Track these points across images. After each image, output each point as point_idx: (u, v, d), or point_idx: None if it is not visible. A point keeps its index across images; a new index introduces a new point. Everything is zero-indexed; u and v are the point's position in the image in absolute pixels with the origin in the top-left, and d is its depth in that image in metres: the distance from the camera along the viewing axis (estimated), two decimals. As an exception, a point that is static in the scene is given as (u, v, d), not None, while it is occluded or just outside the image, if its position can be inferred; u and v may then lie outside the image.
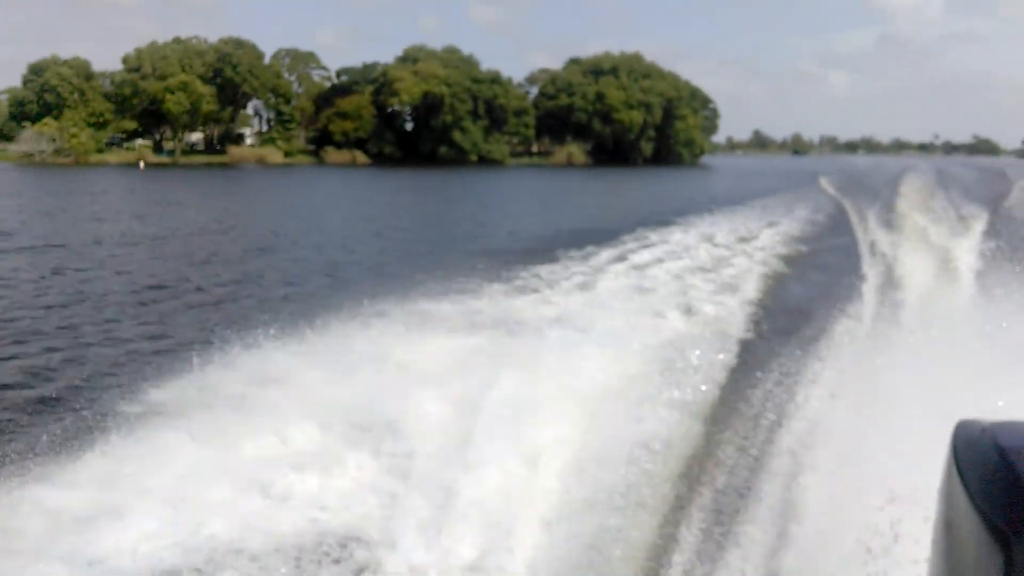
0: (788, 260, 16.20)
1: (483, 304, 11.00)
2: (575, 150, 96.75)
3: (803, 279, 14.58)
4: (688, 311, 10.81)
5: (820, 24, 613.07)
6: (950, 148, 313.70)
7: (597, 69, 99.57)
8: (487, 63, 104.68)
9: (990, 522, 1.32)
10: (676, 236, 19.23)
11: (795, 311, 11.65)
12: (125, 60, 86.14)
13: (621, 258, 15.31)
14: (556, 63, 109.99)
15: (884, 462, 4.62)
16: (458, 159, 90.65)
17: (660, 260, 15.03)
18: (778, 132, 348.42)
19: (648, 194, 51.01)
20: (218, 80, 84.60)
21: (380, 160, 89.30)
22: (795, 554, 4.76)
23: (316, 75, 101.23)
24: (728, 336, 9.68)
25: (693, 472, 6.01)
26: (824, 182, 45.83)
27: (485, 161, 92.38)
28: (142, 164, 78.40)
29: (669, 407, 6.92)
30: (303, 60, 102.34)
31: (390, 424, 5.96)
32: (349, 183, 57.35)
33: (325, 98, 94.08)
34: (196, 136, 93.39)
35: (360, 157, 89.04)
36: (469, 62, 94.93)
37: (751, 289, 12.99)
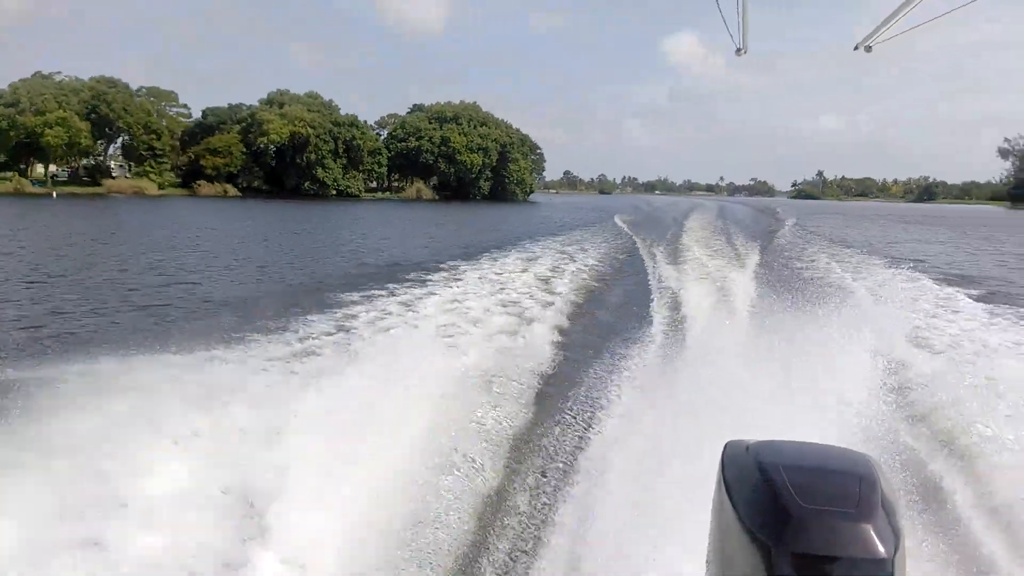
0: (586, 292, 16.99)
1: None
2: (422, 187, 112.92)
3: (597, 312, 15.32)
4: (488, 342, 11.05)
5: (621, 77, 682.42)
6: (733, 189, 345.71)
7: (441, 116, 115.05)
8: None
9: (753, 535, 1.53)
10: (478, 271, 19.63)
11: (591, 342, 12.26)
12: (1, 96, 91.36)
13: (429, 294, 15.16)
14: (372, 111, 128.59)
15: (668, 482, 5.17)
16: (320, 193, 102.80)
17: (455, 299, 14.90)
18: (586, 173, 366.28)
19: (484, 226, 55.11)
20: (93, 116, 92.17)
21: (249, 193, 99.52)
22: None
23: (173, 112, 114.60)
24: (531, 363, 10.07)
25: (496, 497, 6.35)
26: (619, 219, 49.03)
27: (343, 195, 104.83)
28: (55, 194, 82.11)
29: (470, 438, 7.28)
30: (163, 98, 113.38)
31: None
32: (236, 213, 61.94)
33: (191, 134, 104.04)
34: (53, 168, 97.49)
35: (231, 190, 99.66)
36: (330, 106, 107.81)
37: (551, 318, 13.54)
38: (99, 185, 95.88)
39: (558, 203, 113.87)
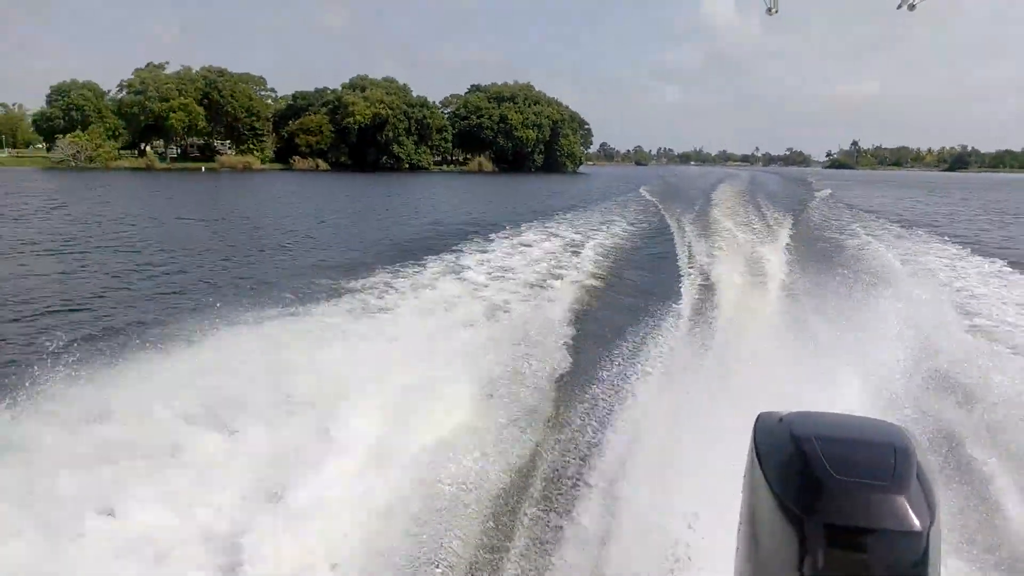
0: (614, 264, 18.32)
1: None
2: (484, 160, 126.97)
3: (626, 285, 16.16)
4: (504, 313, 11.81)
5: (655, 42, 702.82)
6: (769, 159, 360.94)
7: (499, 95, 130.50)
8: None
9: (785, 506, 1.57)
10: (515, 240, 21.43)
11: (622, 315, 12.90)
12: (130, 85, 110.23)
13: (459, 265, 16.30)
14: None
15: (700, 454, 5.36)
16: (396, 166, 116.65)
17: (498, 269, 16.00)
18: (622, 145, 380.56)
19: (540, 193, 59.92)
20: (205, 101, 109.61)
21: (336, 167, 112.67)
22: (618, 550, 5.39)
23: (262, 95, 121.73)
24: (550, 347, 10.24)
25: (522, 473, 6.59)
26: (644, 191, 49.68)
27: (415, 167, 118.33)
28: (203, 168, 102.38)
29: (499, 406, 7.71)
30: (254, 83, 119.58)
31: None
32: (333, 184, 71.37)
33: (282, 116, 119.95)
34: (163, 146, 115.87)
35: (322, 164, 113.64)
36: (404, 90, 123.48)
37: (581, 289, 14.46)
38: (212, 160, 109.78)
39: (601, 174, 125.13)
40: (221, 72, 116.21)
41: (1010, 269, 17.75)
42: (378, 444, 6.32)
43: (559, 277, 15.46)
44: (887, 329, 9.56)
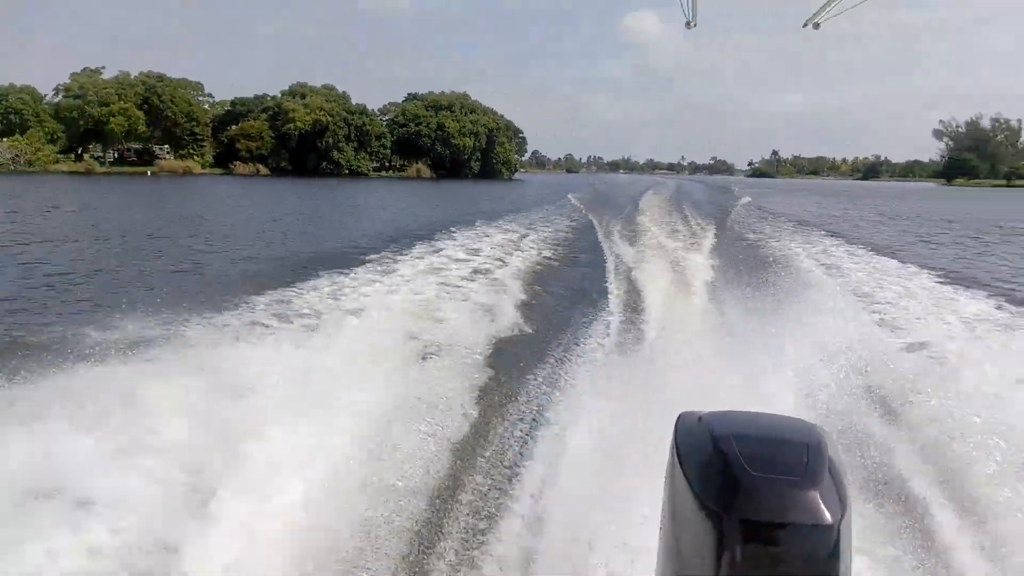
0: (545, 270, 18.62)
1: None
2: (422, 167, 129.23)
3: (556, 287, 16.51)
4: (432, 318, 11.69)
5: (584, 54, 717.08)
6: (695, 168, 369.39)
7: (436, 104, 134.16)
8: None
9: (703, 503, 1.63)
10: (451, 242, 21.73)
11: (550, 318, 13.25)
12: (67, 89, 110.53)
13: (388, 271, 16.08)
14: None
15: (626, 455, 5.51)
16: (335, 172, 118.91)
17: (428, 270, 16.20)
18: (553, 153, 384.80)
19: (481, 199, 62.80)
20: (145, 106, 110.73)
21: (277, 172, 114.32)
22: (543, 553, 5.38)
23: (199, 99, 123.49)
24: (483, 346, 10.41)
25: (445, 490, 6.44)
26: (573, 198, 50.01)
27: (355, 173, 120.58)
28: (149, 172, 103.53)
29: (417, 420, 7.53)
30: (191, 88, 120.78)
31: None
32: (277, 189, 72.75)
33: (221, 121, 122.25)
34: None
35: (263, 169, 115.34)
36: (344, 97, 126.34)
37: (508, 298, 14.16)
38: (151, 165, 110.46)
39: (534, 181, 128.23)
40: (160, 77, 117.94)
41: (918, 270, 19.01)
42: (294, 454, 6.09)
43: (489, 282, 15.55)
44: (806, 331, 9.92)
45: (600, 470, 5.98)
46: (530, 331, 12.20)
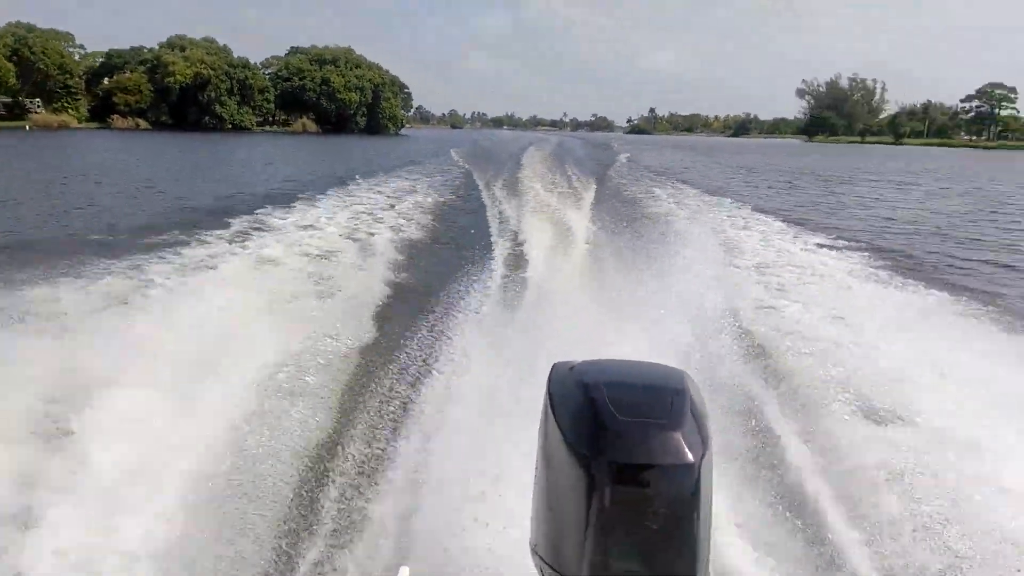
0: (429, 224, 18.79)
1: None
2: (307, 121, 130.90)
3: (439, 244, 16.70)
4: (309, 276, 11.61)
5: (467, 7, 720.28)
6: (576, 124, 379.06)
7: (320, 59, 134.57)
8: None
9: (574, 448, 1.71)
10: (321, 205, 21.25)
11: (430, 275, 13.11)
12: None
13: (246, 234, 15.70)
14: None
15: (505, 407, 5.50)
16: (218, 126, 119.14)
17: (296, 231, 15.98)
18: (437, 109, 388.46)
19: (369, 153, 63.22)
20: (15, 58, 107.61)
21: (157, 126, 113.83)
22: (423, 507, 5.33)
23: (70, 51, 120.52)
24: (363, 307, 10.34)
25: (325, 448, 6.41)
26: (455, 153, 49.61)
27: (237, 128, 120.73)
28: (28, 127, 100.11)
29: (298, 377, 7.45)
30: (62, 39, 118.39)
31: None
32: (157, 143, 71.83)
33: (95, 74, 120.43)
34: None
35: (143, 123, 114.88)
36: (225, 50, 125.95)
37: (386, 258, 14.14)
38: (22, 119, 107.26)
39: (420, 136, 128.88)
40: (30, 28, 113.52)
41: (785, 226, 20.04)
42: (156, 427, 5.90)
43: (370, 240, 15.60)
44: (678, 283, 10.10)
45: (480, 420, 6.02)
46: (413, 287, 12.24)
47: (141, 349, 7.22)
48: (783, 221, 20.66)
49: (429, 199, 24.50)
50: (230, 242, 14.62)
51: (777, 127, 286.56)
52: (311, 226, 16.88)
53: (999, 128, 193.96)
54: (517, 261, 14.09)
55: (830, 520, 5.51)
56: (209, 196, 26.49)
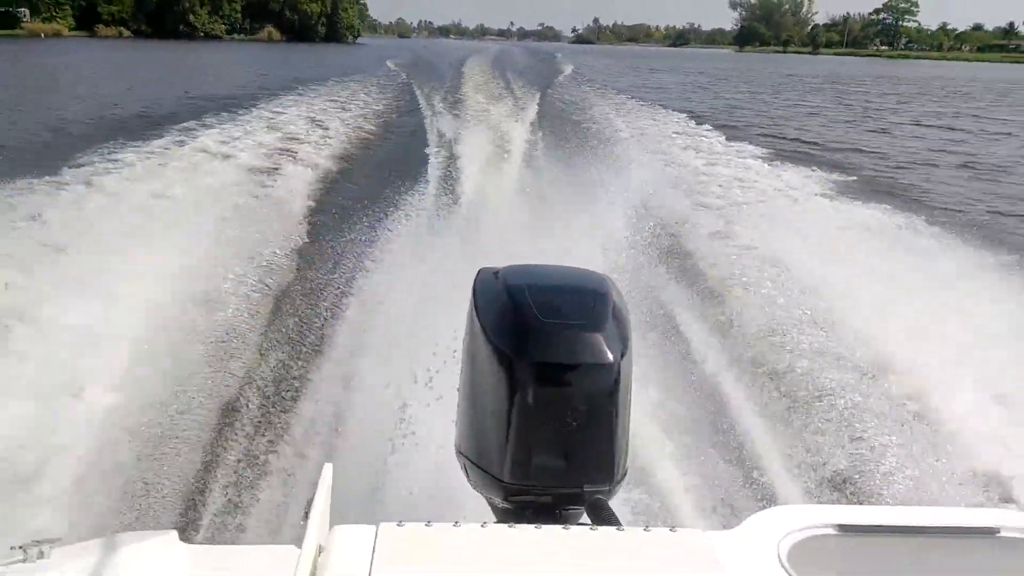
0: (359, 143, 16.69)
1: None
2: (272, 30, 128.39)
3: (373, 161, 15.16)
4: (237, 191, 10.49)
5: None
6: (523, 34, 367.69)
7: None
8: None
9: (499, 350, 1.67)
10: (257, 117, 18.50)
11: (364, 187, 12.08)
12: None
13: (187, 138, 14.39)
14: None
15: (434, 314, 5.03)
16: (192, 35, 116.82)
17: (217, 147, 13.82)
18: (384, 18, 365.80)
19: (327, 59, 60.91)
20: None
21: (138, 35, 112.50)
22: (350, 418, 5.08)
23: None
24: (290, 220, 9.46)
25: (253, 350, 6.07)
26: (391, 64, 44.20)
27: (209, 36, 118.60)
28: (43, 34, 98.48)
29: (226, 296, 6.77)
30: None
31: None
32: (141, 50, 70.40)
33: None
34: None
35: (125, 32, 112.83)
36: None
37: (322, 162, 13.45)
38: (12, 28, 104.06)
39: (372, 44, 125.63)
40: None
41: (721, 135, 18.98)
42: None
43: (299, 151, 14.36)
44: (611, 192, 9.85)
45: (405, 327, 5.75)
46: (346, 196, 11.54)
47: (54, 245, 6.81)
48: (735, 140, 19.16)
49: (368, 109, 22.76)
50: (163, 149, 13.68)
51: (713, 38, 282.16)
52: (243, 136, 15.61)
53: (905, 39, 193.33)
54: (453, 175, 13.12)
55: (746, 418, 5.52)
56: (162, 102, 24.59)
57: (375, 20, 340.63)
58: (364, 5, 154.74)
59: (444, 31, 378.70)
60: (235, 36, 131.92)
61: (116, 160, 11.99)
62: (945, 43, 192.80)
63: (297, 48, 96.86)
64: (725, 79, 55.26)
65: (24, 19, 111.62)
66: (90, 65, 48.27)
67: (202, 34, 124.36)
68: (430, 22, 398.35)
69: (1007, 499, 4.43)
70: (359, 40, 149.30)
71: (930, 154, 20.99)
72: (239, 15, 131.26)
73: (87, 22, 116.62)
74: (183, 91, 28.77)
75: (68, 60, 51.99)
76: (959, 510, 2.31)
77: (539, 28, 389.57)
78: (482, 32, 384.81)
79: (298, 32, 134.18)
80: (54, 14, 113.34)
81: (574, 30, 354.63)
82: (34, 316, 5.58)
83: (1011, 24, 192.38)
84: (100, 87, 31.57)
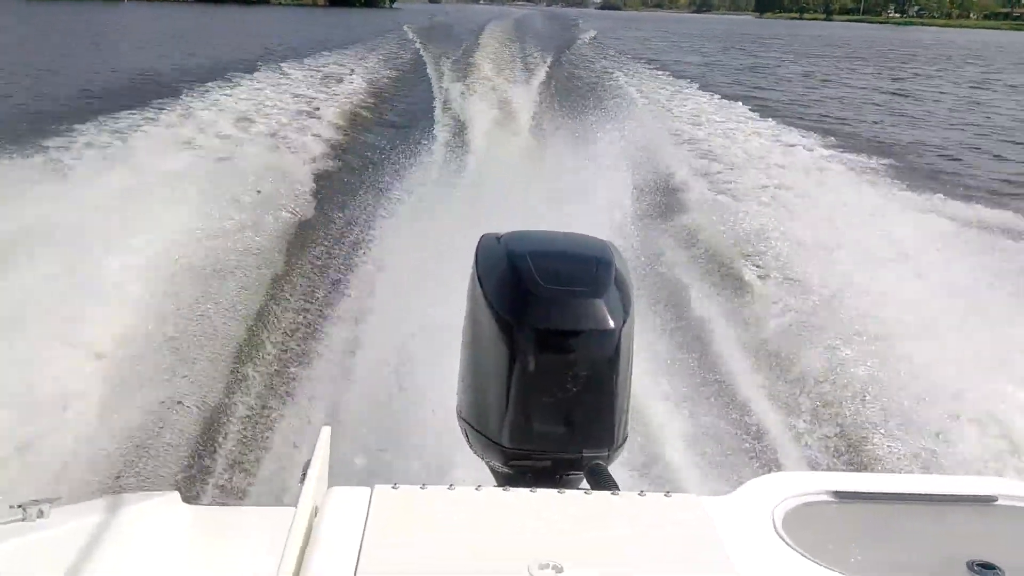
0: (369, 108, 15.65)
1: None
2: None
3: (381, 128, 14.16)
4: (242, 156, 9.87)
5: None
6: (552, 0, 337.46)
7: None
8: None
9: (499, 316, 1.57)
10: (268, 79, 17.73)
11: (374, 151, 11.23)
12: None
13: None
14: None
15: (436, 277, 4.59)
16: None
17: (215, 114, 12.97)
18: None
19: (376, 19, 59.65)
20: None
21: None
22: (359, 373, 4.80)
23: None
24: (297, 191, 8.79)
25: (258, 316, 5.68)
26: (407, 28, 40.06)
27: (259, 2, 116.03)
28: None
29: (234, 262, 6.34)
30: None
31: None
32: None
33: None
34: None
35: None
36: None
37: (335, 127, 12.77)
38: None
39: (407, 9, 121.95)
40: None
41: (740, 104, 17.71)
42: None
43: (313, 114, 13.62)
44: (618, 159, 9.23)
45: (409, 293, 5.37)
46: (349, 167, 10.80)
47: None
48: (747, 107, 17.90)
49: (379, 73, 21.70)
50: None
51: (736, 4, 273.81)
52: (247, 99, 15.05)
53: (917, 7, 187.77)
54: (460, 141, 12.40)
55: (748, 386, 5.21)
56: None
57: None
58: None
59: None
60: (282, 1, 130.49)
61: (129, 125, 11.90)
62: (953, 12, 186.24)
63: (341, 12, 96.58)
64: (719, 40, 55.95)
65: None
66: (148, 25, 49.35)
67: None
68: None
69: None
70: (395, 5, 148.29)
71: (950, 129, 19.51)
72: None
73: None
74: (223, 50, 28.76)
75: (132, 21, 53.42)
76: (956, 478, 2.23)
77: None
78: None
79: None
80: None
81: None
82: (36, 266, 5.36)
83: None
84: (155, 47, 31.68)
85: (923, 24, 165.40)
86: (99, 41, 35.05)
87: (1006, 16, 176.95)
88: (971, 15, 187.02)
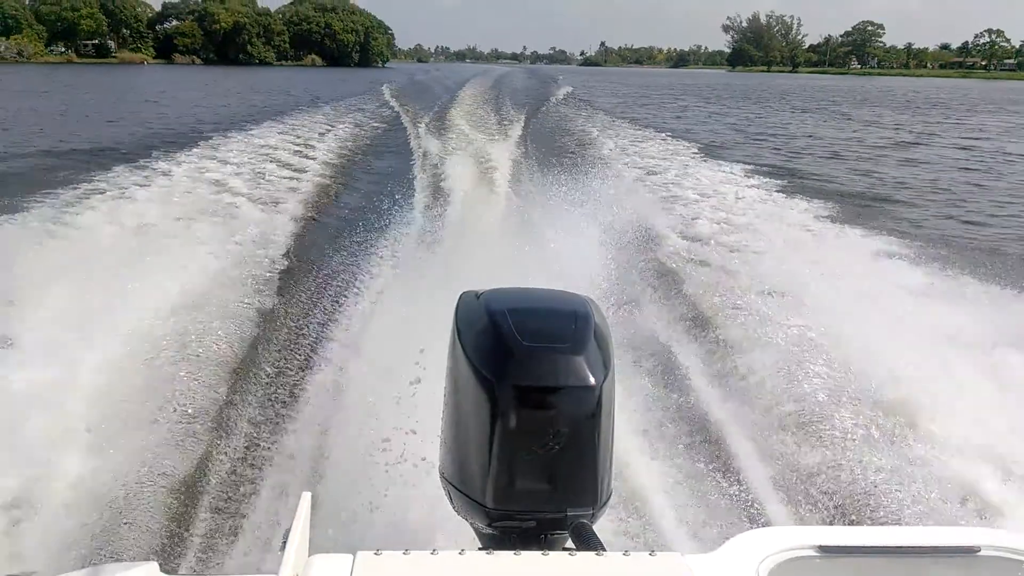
0: (345, 166, 15.18)
1: None
2: (315, 57, 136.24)
3: (361, 184, 13.87)
4: (226, 210, 9.70)
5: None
6: (536, 58, 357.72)
7: (323, 7, 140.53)
8: None
9: (480, 373, 1.50)
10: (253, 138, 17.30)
11: (353, 210, 11.10)
12: None
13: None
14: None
15: (416, 336, 4.13)
16: (249, 61, 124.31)
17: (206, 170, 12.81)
18: (404, 44, 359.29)
19: (354, 80, 59.63)
20: (103, 10, 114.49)
21: (207, 62, 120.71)
22: (337, 427, 4.58)
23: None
24: (277, 249, 8.29)
25: (237, 375, 5.32)
26: (386, 89, 39.03)
27: (262, 63, 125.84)
28: (145, 62, 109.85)
29: (211, 318, 5.97)
30: None
31: None
32: (217, 74, 70.99)
33: (151, 22, 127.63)
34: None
35: (196, 60, 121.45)
36: (252, 2, 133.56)
37: (314, 185, 12.30)
38: (105, 58, 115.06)
39: (398, 68, 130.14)
40: None
41: (707, 158, 17.58)
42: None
43: (290, 174, 13.16)
44: (590, 212, 8.97)
45: (390, 350, 5.00)
46: (329, 225, 10.46)
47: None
48: (717, 160, 17.76)
49: (357, 131, 21.23)
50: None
51: (712, 59, 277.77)
52: (236, 155, 14.86)
53: (875, 59, 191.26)
54: (440, 199, 11.82)
55: (731, 440, 4.90)
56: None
57: (396, 47, 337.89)
58: (391, 35, 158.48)
59: (460, 56, 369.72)
60: (283, 62, 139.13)
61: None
62: (911, 63, 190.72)
63: (338, 71, 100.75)
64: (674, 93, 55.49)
65: (113, 51, 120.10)
66: (169, 85, 51.74)
67: (257, 61, 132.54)
68: (447, 47, 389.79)
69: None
70: (387, 65, 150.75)
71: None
72: (287, 45, 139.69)
73: (165, 51, 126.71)
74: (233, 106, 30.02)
75: (155, 81, 57.11)
76: (940, 529, 2.20)
77: (550, 52, 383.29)
78: (496, 56, 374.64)
79: (336, 59, 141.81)
80: (138, 46, 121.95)
81: (582, 53, 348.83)
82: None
83: (965, 43, 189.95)
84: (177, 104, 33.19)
85: (880, 75, 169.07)
86: (122, 97, 38.56)
87: (959, 65, 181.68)
88: (927, 65, 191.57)
